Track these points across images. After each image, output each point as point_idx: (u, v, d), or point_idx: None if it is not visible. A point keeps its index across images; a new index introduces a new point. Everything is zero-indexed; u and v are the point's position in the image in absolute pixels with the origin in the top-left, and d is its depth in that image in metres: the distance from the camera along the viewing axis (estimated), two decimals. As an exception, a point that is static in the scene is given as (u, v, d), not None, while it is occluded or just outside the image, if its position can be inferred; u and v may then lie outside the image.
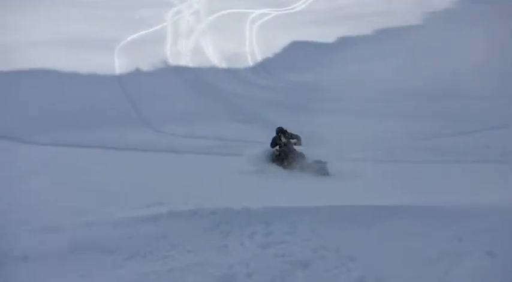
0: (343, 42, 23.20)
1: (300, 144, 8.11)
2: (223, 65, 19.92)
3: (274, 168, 7.80)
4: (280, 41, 22.97)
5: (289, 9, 30.02)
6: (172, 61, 19.17)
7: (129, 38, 20.19)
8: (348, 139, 10.02)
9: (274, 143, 8.04)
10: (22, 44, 17.00)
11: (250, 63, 20.55)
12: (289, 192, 6.13)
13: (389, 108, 12.53)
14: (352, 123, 11.56)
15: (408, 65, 16.71)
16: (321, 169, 7.56)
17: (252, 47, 22.25)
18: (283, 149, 7.96)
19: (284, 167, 7.81)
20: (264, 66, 20.21)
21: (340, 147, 9.39)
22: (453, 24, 22.39)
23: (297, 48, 22.35)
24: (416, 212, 3.75)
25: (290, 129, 8.17)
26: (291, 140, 8.05)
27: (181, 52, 20.26)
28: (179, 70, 18.38)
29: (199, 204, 5.02)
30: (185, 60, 19.59)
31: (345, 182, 6.82)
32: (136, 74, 17.10)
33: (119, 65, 17.48)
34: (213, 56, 20.60)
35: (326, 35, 23.99)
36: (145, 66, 17.80)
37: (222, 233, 3.78)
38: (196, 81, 17.17)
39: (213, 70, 19.15)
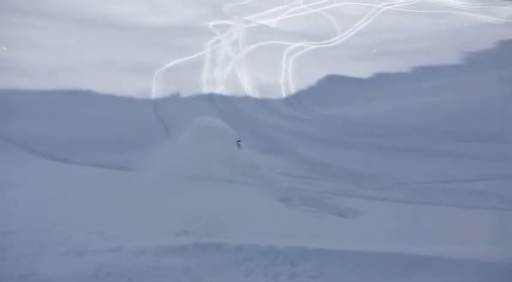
0: (380, 78, 23.06)
1: None
2: (256, 95, 20.10)
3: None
4: (315, 75, 23.04)
5: (327, 43, 30.31)
6: (207, 89, 19.52)
7: (168, 65, 20.75)
8: (380, 177, 9.79)
9: None
10: (66, 65, 17.69)
11: (284, 95, 20.64)
12: (312, 231, 5.95)
13: (424, 146, 12.15)
14: (383, 160, 11.31)
15: (447, 104, 16.38)
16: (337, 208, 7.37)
17: (287, 79, 22.42)
18: None
19: None
20: (298, 99, 20.24)
21: (371, 184, 9.16)
22: (495, 65, 21.99)
23: (332, 82, 22.35)
24: (455, 266, 3.53)
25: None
26: None
27: (216, 80, 20.64)
28: (213, 98, 18.68)
29: (224, 236, 4.96)
30: (220, 89, 19.91)
31: (372, 224, 6.55)
32: (172, 100, 17.45)
33: (156, 90, 17.92)
34: (247, 85, 20.86)
35: (363, 70, 23.93)
36: (180, 93, 18.17)
37: (246, 271, 3.71)
38: (229, 109, 17.36)
39: (246, 100, 19.34)
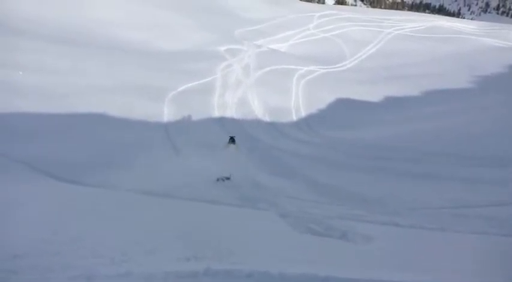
0: (390, 102, 23.15)
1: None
2: (267, 118, 20.22)
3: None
4: (325, 98, 23.21)
5: (337, 67, 30.60)
6: (218, 112, 19.68)
7: (180, 88, 21.00)
8: (390, 202, 9.69)
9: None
10: (78, 89, 17.97)
11: (294, 118, 20.75)
12: (322, 257, 5.87)
13: (433, 171, 12.03)
14: (393, 184, 11.22)
15: (456, 128, 16.32)
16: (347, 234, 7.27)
17: (297, 102, 22.59)
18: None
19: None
20: (308, 122, 20.32)
21: (381, 209, 9.05)
22: (505, 89, 21.96)
23: (342, 106, 22.47)
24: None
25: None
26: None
27: (227, 104, 20.83)
28: (224, 121, 18.80)
29: (234, 262, 4.92)
30: (230, 112, 20.07)
31: (384, 251, 6.43)
32: (183, 123, 17.59)
33: (168, 113, 18.08)
34: (258, 109, 21.02)
35: (372, 94, 24.05)
36: (191, 116, 18.33)
37: (256, 299, 3.67)
38: (239, 132, 17.43)
39: (257, 123, 19.46)
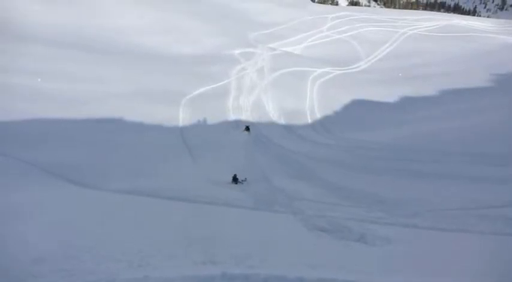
0: (405, 102, 22.88)
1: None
2: (282, 121, 20.17)
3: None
4: (340, 99, 23.06)
5: (352, 69, 30.41)
6: (233, 115, 19.71)
7: (196, 92, 21.16)
8: (408, 203, 9.52)
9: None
10: (96, 95, 18.20)
11: (309, 121, 20.64)
12: (341, 261, 5.77)
13: (453, 171, 11.79)
14: (412, 185, 11.04)
15: (474, 127, 16.04)
16: (366, 236, 7.15)
17: (312, 104, 22.49)
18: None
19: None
20: (323, 124, 20.20)
21: (397, 210, 8.89)
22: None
23: (357, 107, 22.29)
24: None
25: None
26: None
27: (242, 107, 20.87)
28: (239, 124, 18.80)
29: (251, 266, 4.88)
30: (245, 115, 20.08)
31: (403, 253, 6.30)
32: (198, 126, 17.67)
33: (183, 117, 18.20)
34: (273, 111, 20.99)
35: (388, 94, 23.80)
36: (207, 119, 18.41)
37: (274, 303, 3.61)
38: (254, 135, 17.41)
39: (272, 125, 19.43)
